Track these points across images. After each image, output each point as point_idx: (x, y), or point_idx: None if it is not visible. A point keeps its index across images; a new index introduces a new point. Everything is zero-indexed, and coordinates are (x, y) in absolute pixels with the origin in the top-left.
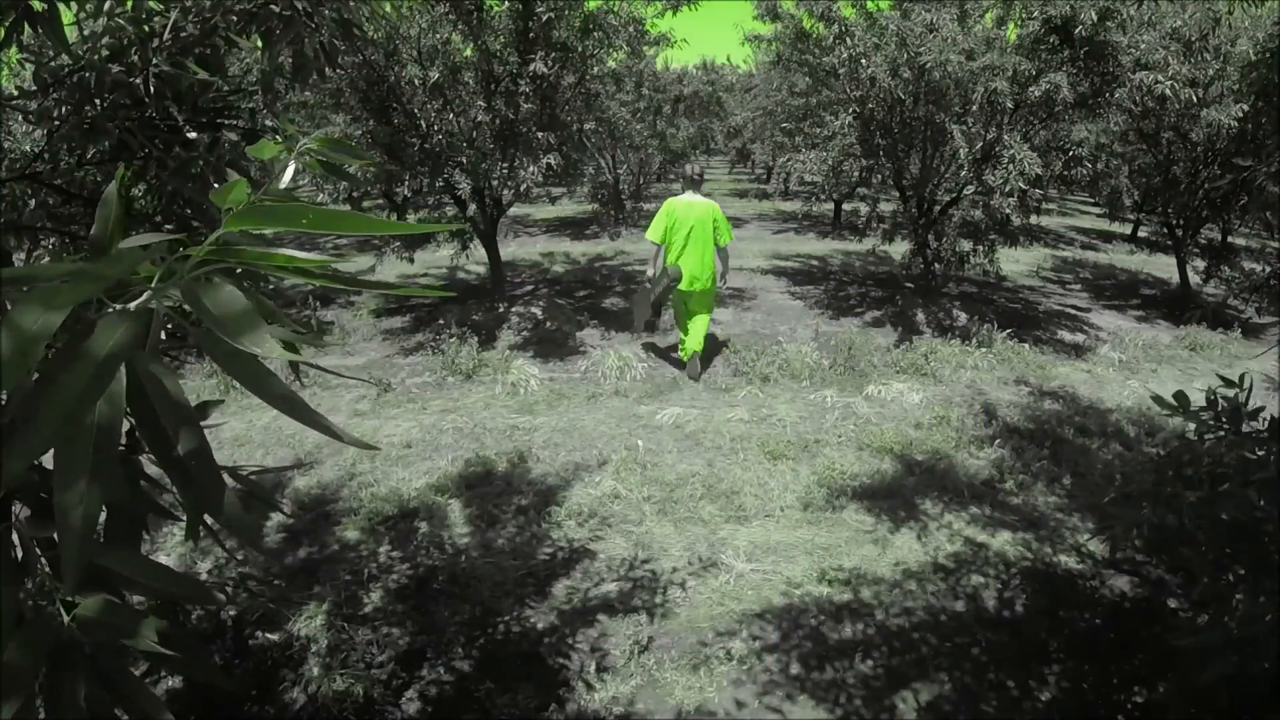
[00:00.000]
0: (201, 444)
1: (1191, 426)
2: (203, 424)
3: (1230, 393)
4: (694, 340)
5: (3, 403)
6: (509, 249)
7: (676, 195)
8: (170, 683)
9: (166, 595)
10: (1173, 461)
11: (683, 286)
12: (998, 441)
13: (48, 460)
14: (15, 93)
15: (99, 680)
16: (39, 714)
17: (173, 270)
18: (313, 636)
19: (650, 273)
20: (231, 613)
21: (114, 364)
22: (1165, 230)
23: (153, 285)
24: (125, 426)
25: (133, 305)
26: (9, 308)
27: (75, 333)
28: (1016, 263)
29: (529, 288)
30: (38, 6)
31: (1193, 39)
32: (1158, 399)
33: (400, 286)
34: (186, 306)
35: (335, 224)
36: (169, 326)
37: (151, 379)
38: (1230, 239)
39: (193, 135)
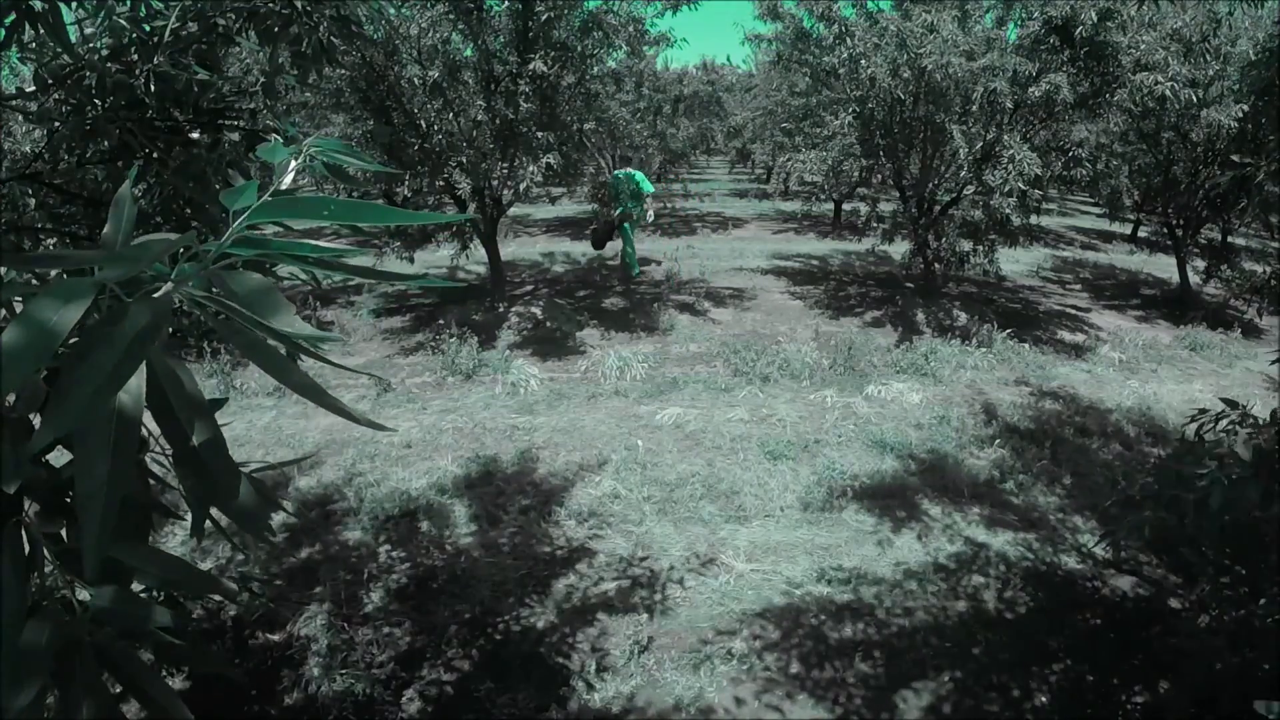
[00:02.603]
0: (216, 435)
1: (1193, 427)
2: None
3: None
4: (632, 254)
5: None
6: (509, 249)
7: (619, 169)
8: (171, 683)
9: (177, 586)
10: (1173, 462)
11: (628, 223)
12: (998, 441)
13: (55, 459)
14: (15, 93)
15: (110, 671)
16: (49, 708)
17: (188, 266)
18: (313, 636)
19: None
20: (232, 612)
21: (141, 348)
22: (1165, 230)
23: (172, 276)
24: None
25: (156, 295)
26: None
27: (102, 318)
28: (1016, 263)
29: (529, 288)
30: (38, 6)
31: (1193, 40)
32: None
33: (414, 277)
34: (211, 294)
35: (354, 215)
36: (169, 329)
37: (168, 373)
38: (1230, 239)
39: (194, 135)
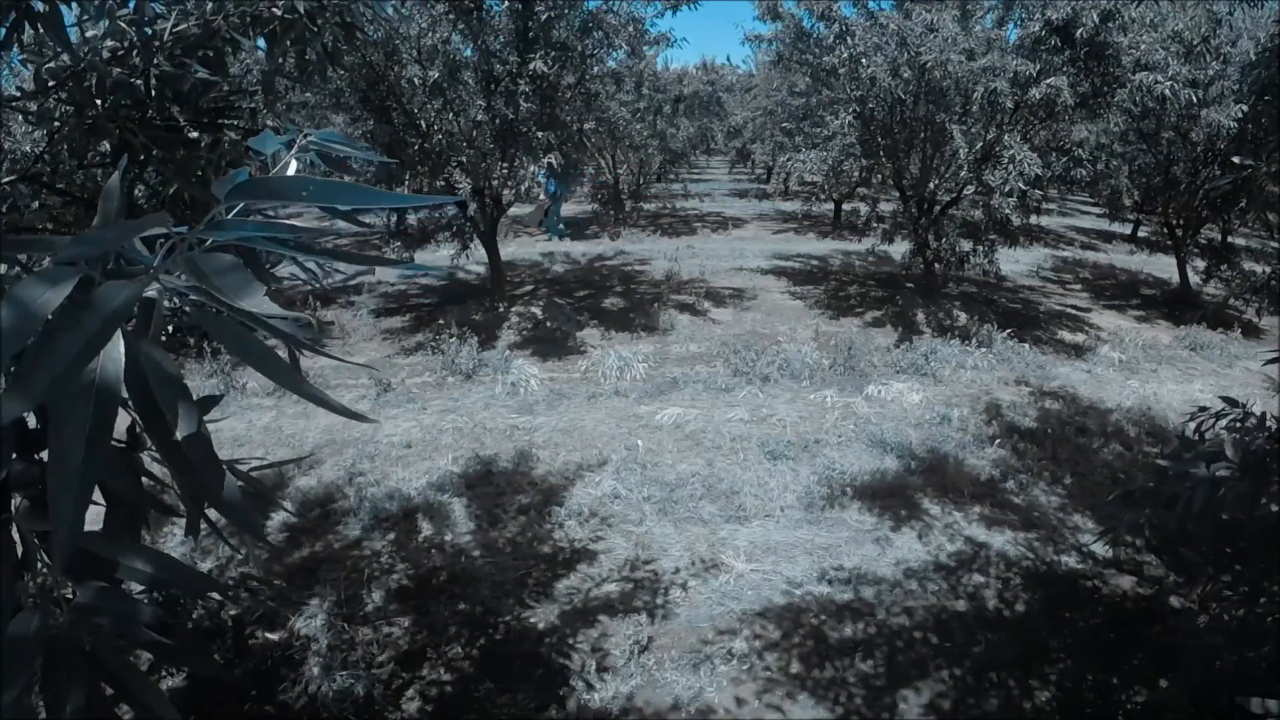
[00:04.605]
0: (200, 430)
1: (1193, 425)
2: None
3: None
4: (555, 223)
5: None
6: (509, 249)
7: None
8: (171, 682)
9: (168, 585)
10: (1172, 460)
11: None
12: (998, 441)
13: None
14: (16, 93)
15: (101, 674)
16: (38, 707)
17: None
18: (313, 636)
19: (541, 196)
20: (232, 612)
21: (111, 325)
22: (1165, 230)
23: (154, 263)
24: (126, 423)
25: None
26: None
27: (76, 299)
28: (1016, 263)
29: (529, 288)
30: (39, 7)
31: (1194, 40)
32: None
33: (398, 263)
34: (187, 282)
35: (334, 196)
36: (169, 328)
37: (149, 360)
38: (1230, 239)
39: (194, 135)
